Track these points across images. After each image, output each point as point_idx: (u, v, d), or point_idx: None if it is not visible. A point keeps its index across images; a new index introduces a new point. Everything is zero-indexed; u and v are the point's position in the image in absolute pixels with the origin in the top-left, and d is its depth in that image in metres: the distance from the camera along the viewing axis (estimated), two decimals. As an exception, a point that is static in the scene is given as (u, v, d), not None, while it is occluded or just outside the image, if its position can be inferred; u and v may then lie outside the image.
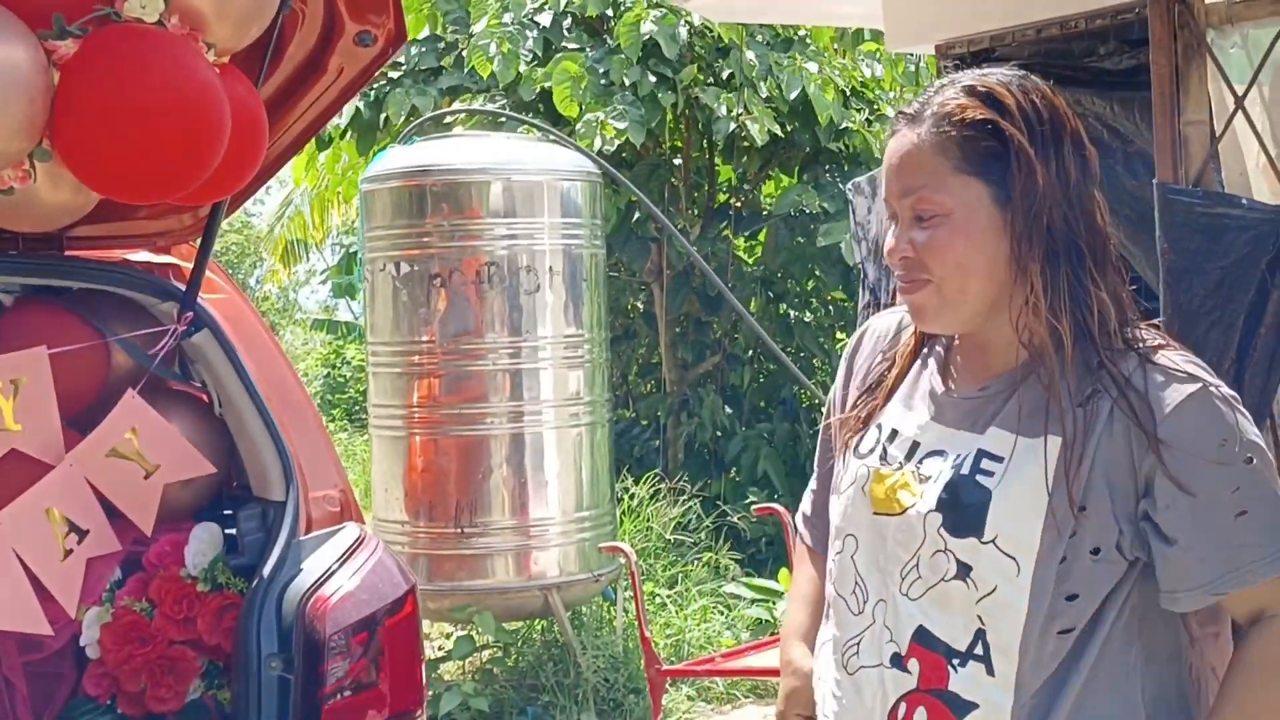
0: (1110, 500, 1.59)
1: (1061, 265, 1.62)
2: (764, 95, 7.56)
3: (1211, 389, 1.59)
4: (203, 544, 2.68)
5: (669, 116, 7.65)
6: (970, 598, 1.62)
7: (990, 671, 1.62)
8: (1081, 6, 3.81)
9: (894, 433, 1.74)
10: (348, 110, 7.67)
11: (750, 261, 8.98)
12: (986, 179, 1.62)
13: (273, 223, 14.78)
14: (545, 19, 7.77)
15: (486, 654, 5.94)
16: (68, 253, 2.65)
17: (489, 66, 7.29)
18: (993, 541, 1.61)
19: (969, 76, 1.67)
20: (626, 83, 7.32)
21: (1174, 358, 1.62)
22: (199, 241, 2.66)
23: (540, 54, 7.60)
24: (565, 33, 7.86)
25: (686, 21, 7.41)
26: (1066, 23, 3.87)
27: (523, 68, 7.37)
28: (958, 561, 1.63)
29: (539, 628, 6.02)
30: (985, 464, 1.64)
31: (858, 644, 1.72)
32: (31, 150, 1.96)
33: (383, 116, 7.62)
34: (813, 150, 8.18)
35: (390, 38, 2.46)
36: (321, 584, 2.47)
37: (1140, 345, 1.64)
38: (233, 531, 2.71)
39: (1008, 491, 1.61)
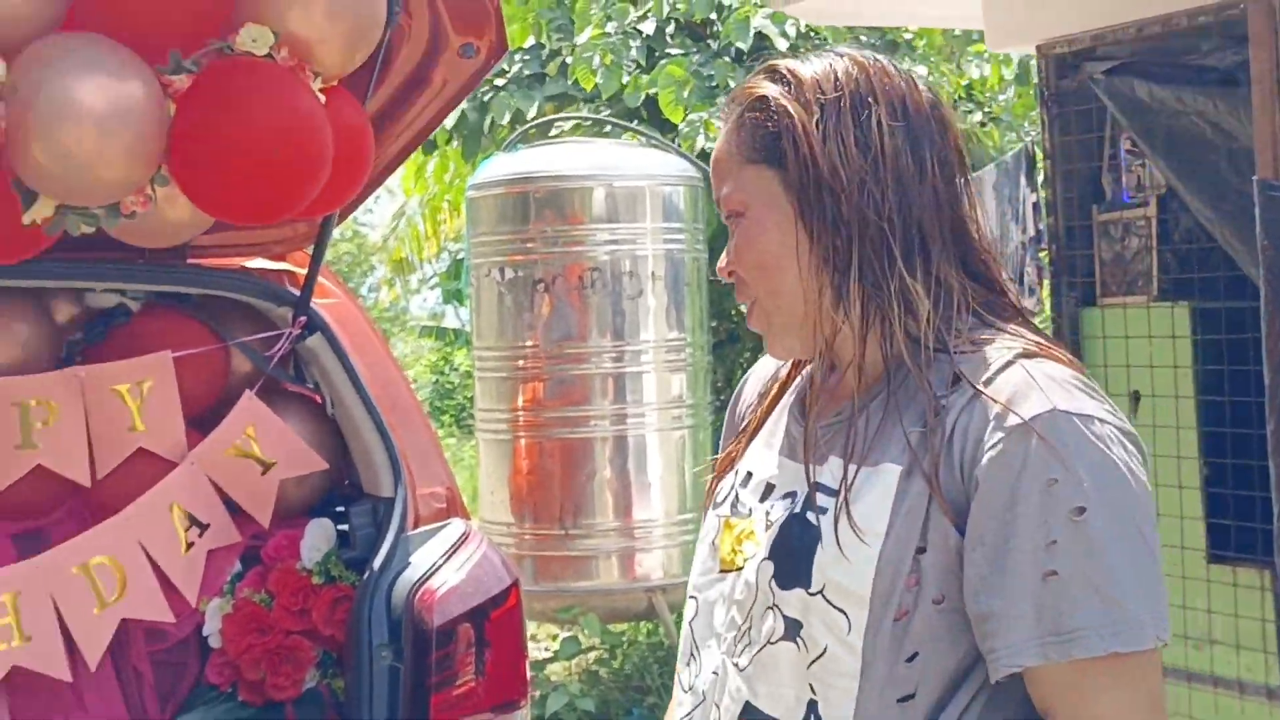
0: (952, 538, 1.30)
1: (855, 252, 1.37)
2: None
3: (1059, 417, 1.27)
4: (317, 539, 2.79)
5: (772, 120, 7.69)
6: (801, 662, 1.35)
7: None
8: (1184, 4, 3.80)
9: (749, 475, 1.50)
10: (453, 118, 7.83)
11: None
12: (774, 164, 1.40)
13: (386, 234, 15.06)
14: (649, 27, 7.85)
15: (593, 655, 6.02)
16: (190, 261, 2.79)
17: (592, 79, 7.40)
18: (820, 593, 1.33)
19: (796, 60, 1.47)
20: (731, 85, 7.37)
21: (1019, 377, 1.31)
22: (312, 249, 2.77)
23: (643, 62, 7.68)
24: (669, 39, 7.94)
25: (794, 25, 7.45)
26: (1168, 20, 3.86)
27: (625, 78, 7.46)
28: (785, 619, 1.36)
29: (644, 630, 6.09)
30: (819, 499, 1.37)
31: None
32: (151, 176, 2.08)
33: (487, 122, 7.76)
34: (924, 151, 8.17)
35: (492, 49, 2.55)
36: (429, 577, 2.56)
37: (968, 352, 1.35)
38: (345, 527, 2.81)
39: (836, 532, 1.33)
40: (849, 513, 1.33)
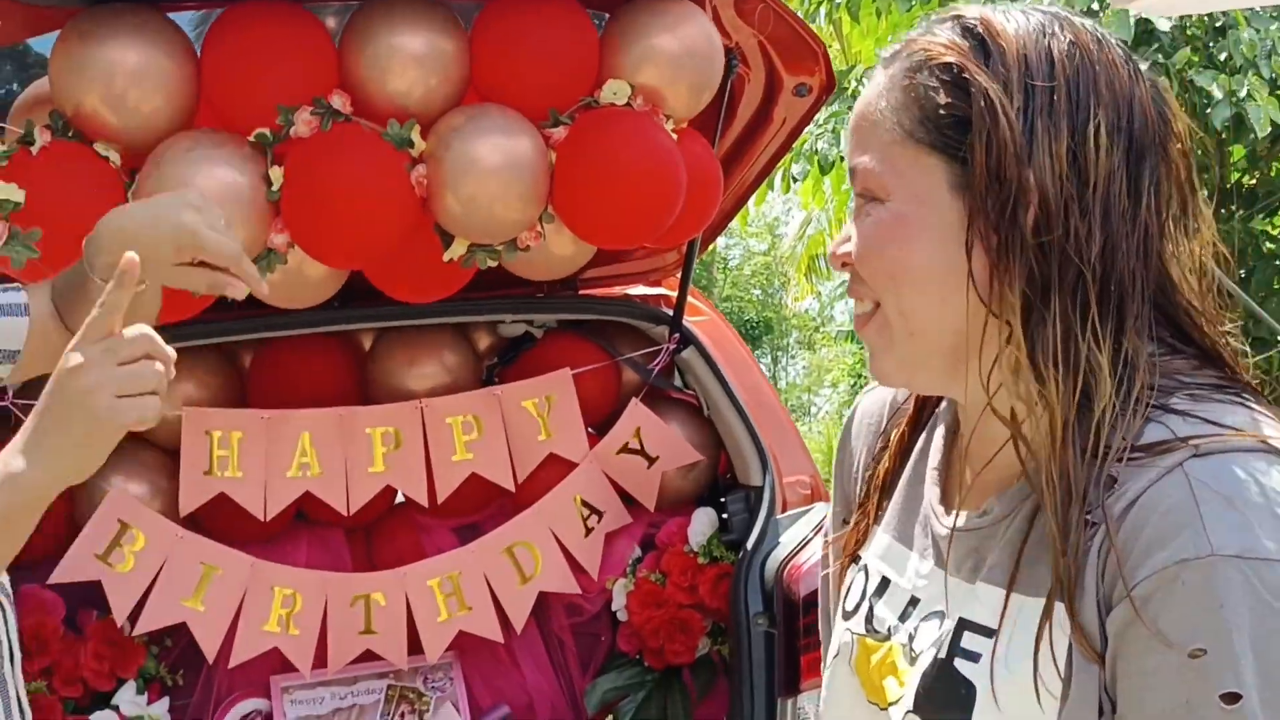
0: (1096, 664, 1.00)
1: (1054, 299, 1.03)
2: (1268, 76, 7.28)
3: (1219, 565, 0.93)
4: (702, 524, 3.19)
5: (1163, 102, 7.55)
6: None
7: None
8: None
9: (884, 582, 1.20)
10: (844, 134, 8.16)
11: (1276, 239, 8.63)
12: (949, 154, 1.07)
13: (794, 243, 15.55)
14: (1030, 21, 7.89)
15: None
16: (581, 292, 3.26)
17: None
18: None
19: (989, 9, 1.11)
20: (1119, 75, 7.30)
21: (1178, 494, 0.96)
22: (680, 274, 3.18)
23: (1026, 56, 7.72)
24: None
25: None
26: None
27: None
28: None
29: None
30: (968, 640, 1.08)
31: None
32: (540, 214, 2.53)
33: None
34: (1332, 119, 7.79)
35: (822, 86, 2.86)
36: (796, 554, 2.90)
37: (1136, 452, 1.00)
38: (726, 515, 3.21)
39: (993, 689, 1.04)
40: (1014, 658, 1.04)
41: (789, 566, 2.88)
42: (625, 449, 3.13)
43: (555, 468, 3.09)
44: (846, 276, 1.13)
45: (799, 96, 2.90)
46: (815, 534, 2.95)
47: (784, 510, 3.04)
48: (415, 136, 2.43)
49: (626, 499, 3.17)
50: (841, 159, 8.39)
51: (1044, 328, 1.03)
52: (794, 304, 21.46)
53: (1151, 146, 1.07)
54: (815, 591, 2.82)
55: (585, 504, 3.09)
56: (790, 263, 16.78)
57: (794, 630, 2.84)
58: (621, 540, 3.22)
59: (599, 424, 3.24)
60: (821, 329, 21.84)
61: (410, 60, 2.42)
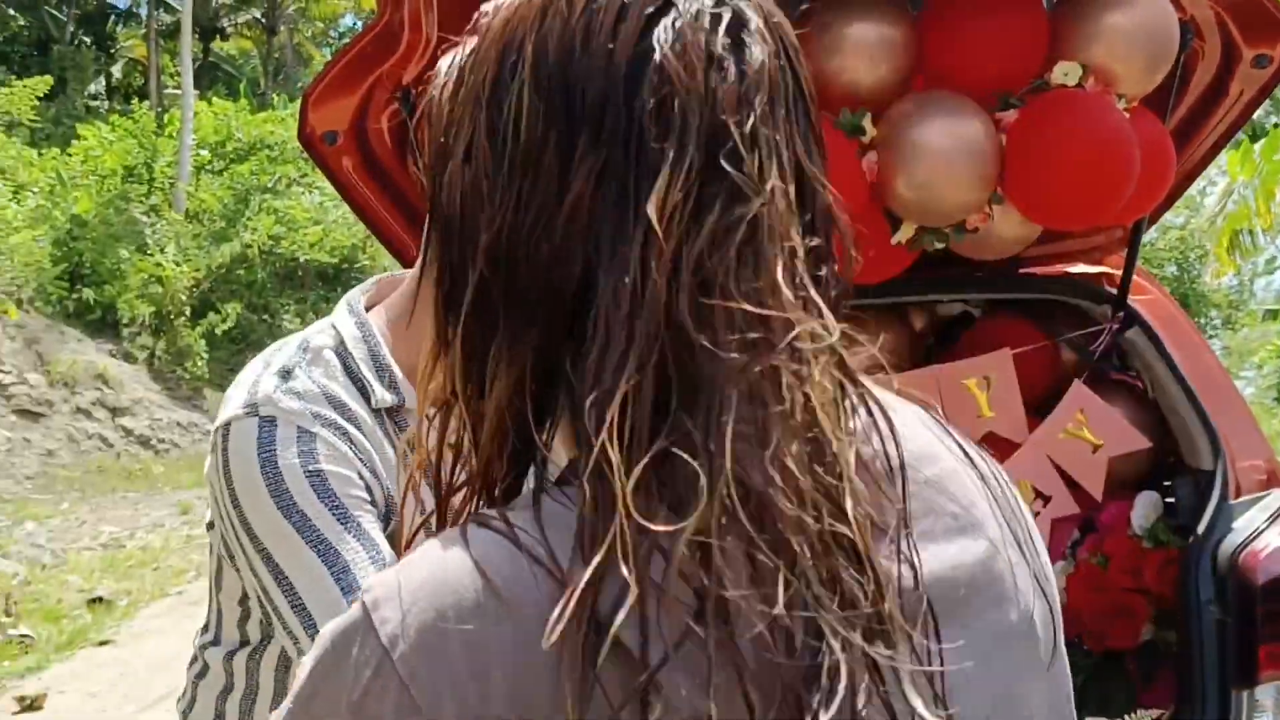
0: None
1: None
2: None
3: None
4: (1145, 508, 3.13)
5: None
6: None
7: None
8: None
9: None
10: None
11: None
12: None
13: (1214, 215, 14.69)
14: None
15: None
16: (1020, 271, 3.25)
17: None
18: None
19: None
20: None
21: None
22: (1126, 251, 3.11)
23: None
24: None
25: None
26: None
27: None
28: None
29: None
30: None
31: None
32: (989, 196, 2.56)
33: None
34: None
35: (1286, 56, 2.75)
36: (1252, 540, 2.80)
37: None
38: (1170, 499, 3.12)
39: None
40: None
41: (1244, 553, 2.79)
42: (1068, 433, 3.10)
43: (995, 447, 3.07)
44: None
45: (1259, 68, 2.79)
46: (1271, 522, 2.84)
47: (1237, 496, 2.93)
48: (867, 124, 2.50)
49: (1069, 483, 3.13)
50: (1276, 125, 7.89)
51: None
52: (1213, 280, 20.25)
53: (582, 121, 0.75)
54: (1273, 579, 2.76)
55: (1032, 489, 3.09)
56: (1210, 237, 15.86)
57: (1249, 619, 2.75)
58: (1061, 522, 3.19)
59: (1035, 406, 3.22)
60: (1242, 307, 20.52)
61: (861, 49, 2.49)
